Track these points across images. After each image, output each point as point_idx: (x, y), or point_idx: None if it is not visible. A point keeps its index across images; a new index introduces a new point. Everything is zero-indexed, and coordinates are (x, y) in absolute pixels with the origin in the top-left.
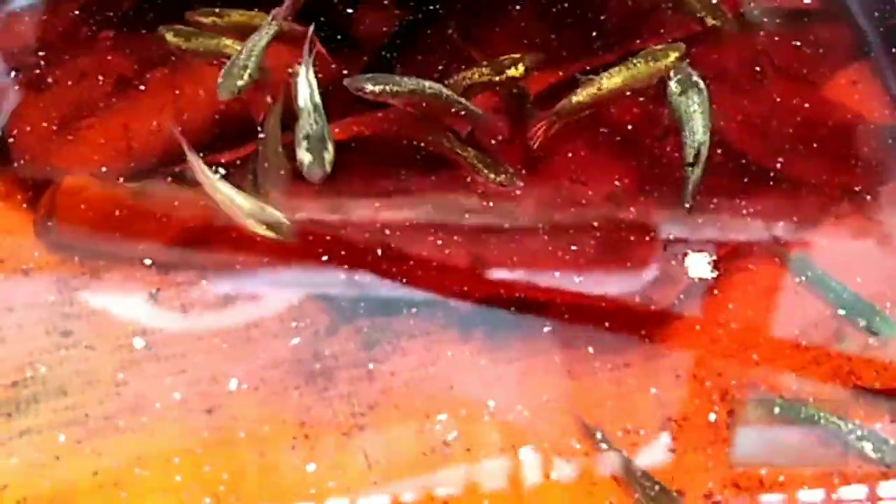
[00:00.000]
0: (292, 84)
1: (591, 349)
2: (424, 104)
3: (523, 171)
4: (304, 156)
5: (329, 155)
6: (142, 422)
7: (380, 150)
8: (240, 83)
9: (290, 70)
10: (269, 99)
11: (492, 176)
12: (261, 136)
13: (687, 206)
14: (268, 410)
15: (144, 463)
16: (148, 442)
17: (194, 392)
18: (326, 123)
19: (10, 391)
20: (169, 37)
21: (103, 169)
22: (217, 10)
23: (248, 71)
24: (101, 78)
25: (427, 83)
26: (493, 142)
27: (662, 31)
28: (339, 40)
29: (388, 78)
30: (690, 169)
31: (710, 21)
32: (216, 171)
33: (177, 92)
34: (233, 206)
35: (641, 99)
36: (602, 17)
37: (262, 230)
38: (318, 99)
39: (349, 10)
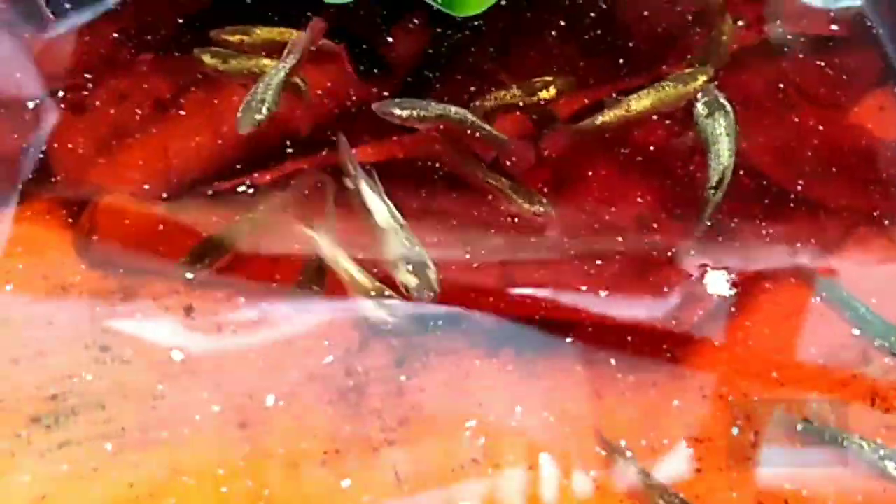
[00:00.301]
0: (352, 192)
1: (616, 367)
2: (450, 129)
3: (550, 192)
4: (408, 279)
5: (433, 273)
6: (177, 435)
7: (409, 171)
8: (258, 117)
9: (318, 91)
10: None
11: (526, 205)
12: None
13: (706, 225)
14: (300, 425)
15: (180, 476)
16: (183, 455)
17: (229, 407)
18: (415, 238)
19: (50, 404)
20: (206, 59)
21: (143, 187)
22: (244, 27)
23: (267, 105)
24: (140, 99)
25: (453, 108)
26: (508, 163)
27: (689, 56)
28: (372, 61)
29: (416, 103)
30: (713, 191)
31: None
32: (246, 190)
33: (214, 108)
34: (353, 283)
35: (668, 122)
36: (630, 43)
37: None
38: (400, 216)
39: (384, 33)
